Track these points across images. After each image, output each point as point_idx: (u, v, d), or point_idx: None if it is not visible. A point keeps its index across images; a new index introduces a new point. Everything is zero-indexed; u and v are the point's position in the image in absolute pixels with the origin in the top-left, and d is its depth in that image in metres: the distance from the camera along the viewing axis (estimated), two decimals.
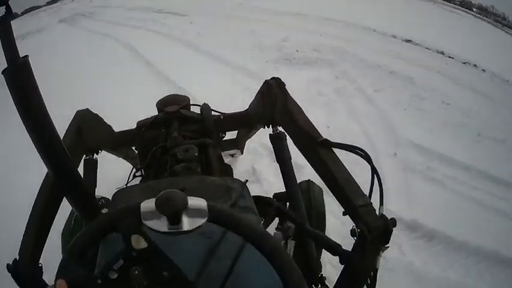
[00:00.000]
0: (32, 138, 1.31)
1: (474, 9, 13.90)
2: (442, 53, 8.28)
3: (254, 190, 3.69)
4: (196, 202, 1.21)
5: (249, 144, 4.26)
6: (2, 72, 1.27)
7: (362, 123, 5.16)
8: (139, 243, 1.16)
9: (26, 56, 1.28)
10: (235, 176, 3.19)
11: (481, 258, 3.33)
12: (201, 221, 1.18)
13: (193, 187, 1.88)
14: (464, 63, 7.87)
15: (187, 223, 1.17)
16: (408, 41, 9.00)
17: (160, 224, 1.16)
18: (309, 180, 2.74)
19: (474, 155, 4.54)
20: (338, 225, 3.23)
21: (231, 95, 5.79)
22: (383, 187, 1.79)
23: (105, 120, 3.13)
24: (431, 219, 3.58)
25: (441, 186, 4.08)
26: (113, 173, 3.52)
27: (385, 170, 4.13)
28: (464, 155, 4.50)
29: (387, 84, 6.35)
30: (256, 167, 4.32)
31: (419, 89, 6.14)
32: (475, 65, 7.78)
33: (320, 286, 2.42)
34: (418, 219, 3.56)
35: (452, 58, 8.06)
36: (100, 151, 2.99)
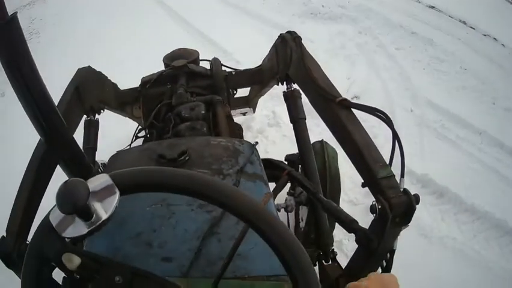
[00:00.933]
0: (21, 101, 1.24)
1: None
2: (464, 23, 8.08)
3: (273, 134, 3.66)
4: (98, 181, 0.97)
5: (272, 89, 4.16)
6: None
7: (381, 78, 5.11)
8: (71, 261, 0.91)
9: (15, 13, 1.18)
10: (254, 122, 3.12)
11: (489, 225, 3.33)
12: (114, 199, 0.96)
13: (196, 149, 1.80)
14: (484, 35, 7.69)
15: (101, 210, 0.95)
16: (432, 7, 8.73)
17: (78, 227, 0.93)
18: (322, 140, 2.63)
19: (487, 121, 4.47)
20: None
21: (256, 46, 5.56)
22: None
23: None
24: (442, 177, 3.56)
25: (453, 145, 4.06)
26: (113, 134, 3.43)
27: (401, 124, 4.12)
28: (478, 119, 4.43)
29: (408, 44, 6.25)
30: (277, 111, 4.23)
31: (438, 52, 6.05)
32: (495, 39, 7.60)
33: (330, 262, 2.35)
34: (429, 175, 3.54)
35: (474, 29, 7.86)
36: (102, 111, 2.86)
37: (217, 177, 1.65)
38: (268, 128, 4.21)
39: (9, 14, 1.15)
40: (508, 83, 5.54)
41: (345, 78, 4.62)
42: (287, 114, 3.70)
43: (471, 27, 7.96)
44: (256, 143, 2.02)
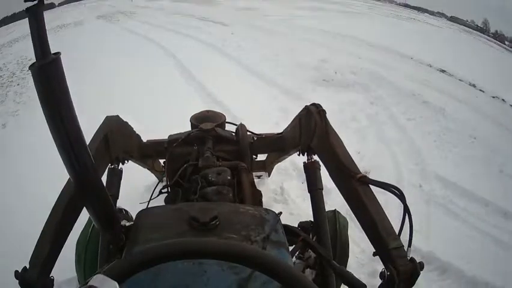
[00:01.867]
0: (56, 141, 1.25)
1: (506, 42, 13.67)
2: (474, 86, 8.22)
3: (280, 209, 3.73)
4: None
5: (279, 164, 4.19)
6: (30, 67, 1.18)
7: (392, 152, 5.15)
8: None
9: (58, 53, 1.20)
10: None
11: None
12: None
13: (226, 216, 1.80)
14: (493, 97, 7.80)
15: None
16: (443, 71, 8.94)
17: None
18: (335, 210, 2.63)
19: (495, 191, 4.50)
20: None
21: (267, 113, 5.81)
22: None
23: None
24: (446, 252, 3.55)
25: (460, 220, 4.06)
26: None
27: (410, 201, 3.89)
28: (486, 190, 4.46)
29: (419, 114, 6.33)
30: (285, 187, 4.26)
31: (449, 121, 6.11)
32: (503, 100, 7.70)
33: None
34: (434, 252, 3.55)
35: (483, 92, 7.99)
36: (126, 161, 2.86)
37: (245, 242, 1.67)
38: (275, 204, 4.08)
39: (53, 53, 1.18)
40: None
41: (355, 153, 4.67)
42: (295, 190, 3.66)
43: (480, 90, 8.15)
44: (280, 213, 2.02)
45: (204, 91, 7.06)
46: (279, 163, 4.07)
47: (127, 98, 6.63)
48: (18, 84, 9.49)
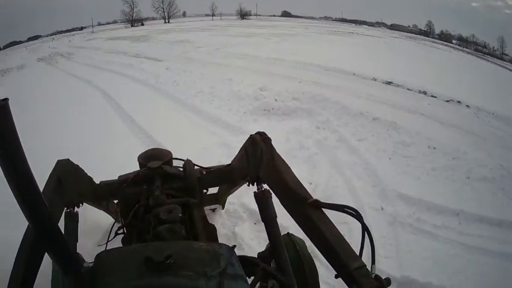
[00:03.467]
0: (12, 188, 1.27)
1: (454, 41, 14.16)
2: (424, 93, 8.35)
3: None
4: None
5: (229, 205, 4.26)
6: None
7: (346, 177, 5.13)
8: None
9: (6, 99, 1.21)
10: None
11: None
12: None
13: (180, 254, 1.83)
14: (447, 101, 7.93)
15: None
16: (389, 82, 9.14)
17: None
18: (288, 233, 2.70)
19: (463, 198, 4.57)
20: None
21: (209, 151, 5.70)
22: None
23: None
24: (423, 273, 3.56)
25: (431, 237, 4.08)
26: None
27: (372, 226, 4.04)
28: (454, 200, 4.51)
29: (370, 133, 6.37)
30: (237, 231, 4.22)
31: (403, 135, 6.15)
32: (459, 101, 7.85)
33: None
34: (410, 275, 3.54)
35: (435, 97, 8.11)
36: (81, 204, 2.94)
37: (202, 279, 1.74)
38: None
39: (1, 99, 1.19)
40: (480, 149, 5.75)
41: (307, 184, 4.64)
42: (249, 233, 3.64)
43: (432, 96, 8.25)
44: (234, 246, 2.12)
45: (142, 133, 6.95)
46: (228, 205, 4.24)
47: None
48: None
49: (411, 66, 10.33)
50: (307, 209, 2.11)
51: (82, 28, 67.89)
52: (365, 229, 1.88)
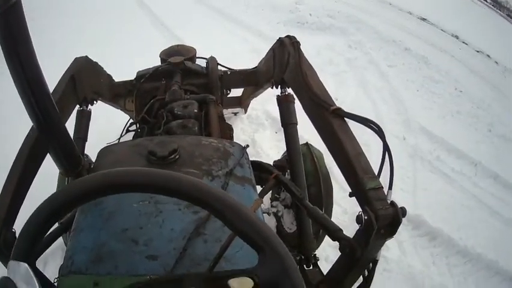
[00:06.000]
0: (17, 86, 1.25)
1: (488, 0, 13.52)
2: (457, 37, 7.99)
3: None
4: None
5: (251, 111, 4.06)
6: None
7: (372, 99, 4.89)
8: None
9: None
10: None
11: (480, 267, 3.21)
12: None
13: (186, 149, 1.79)
14: (477, 51, 7.56)
15: None
16: (424, 19, 8.67)
17: None
18: (307, 143, 2.65)
19: (483, 150, 4.34)
20: None
21: (238, 56, 5.36)
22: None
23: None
24: (435, 217, 3.41)
25: (448, 180, 3.89)
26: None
27: (393, 154, 3.73)
28: (474, 149, 4.29)
29: (401, 61, 6.04)
30: (257, 138, 4.00)
31: (432, 71, 5.84)
32: (488, 56, 7.46)
33: (311, 267, 2.34)
34: (422, 215, 3.37)
35: (466, 44, 7.77)
36: (95, 102, 2.81)
37: (206, 178, 1.68)
38: None
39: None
40: (503, 107, 5.44)
41: (333, 99, 4.39)
42: (268, 142, 3.39)
43: (463, 43, 7.90)
44: (247, 145, 2.02)
45: (171, 35, 6.55)
46: (250, 110, 4.08)
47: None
48: None
49: (447, 9, 9.82)
50: (329, 116, 1.93)
51: None
52: (386, 148, 1.69)
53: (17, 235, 1.53)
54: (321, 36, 6.69)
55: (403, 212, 1.55)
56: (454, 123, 4.75)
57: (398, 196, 3.37)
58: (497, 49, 7.73)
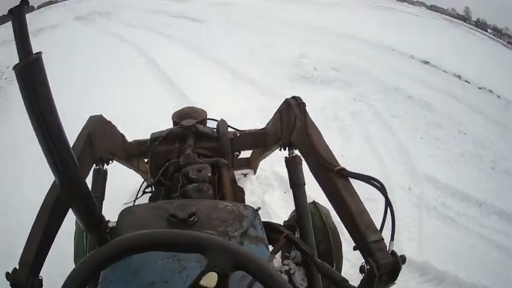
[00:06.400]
0: (40, 142, 1.25)
1: (489, 30, 13.67)
2: (459, 77, 8.16)
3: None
4: None
5: (260, 172, 4.15)
6: (14, 68, 1.18)
7: (377, 152, 5.00)
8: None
9: (40, 53, 1.20)
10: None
11: None
12: None
13: (204, 212, 1.84)
14: (479, 88, 7.76)
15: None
16: (426, 62, 8.87)
17: None
18: (314, 201, 2.65)
19: (487, 189, 4.43)
20: None
21: (245, 112, 5.63)
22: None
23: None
24: (442, 260, 3.44)
25: (453, 224, 3.95)
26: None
27: (398, 205, 3.98)
28: (478, 189, 4.37)
29: (404, 110, 6.20)
30: (266, 199, 4.06)
31: (435, 116, 6.00)
32: (490, 91, 7.66)
33: None
34: (429, 261, 3.43)
35: (469, 83, 7.96)
36: (111, 161, 2.88)
37: (222, 238, 1.60)
38: None
39: (34, 53, 1.17)
40: (506, 141, 5.58)
41: (339, 156, 4.53)
42: (278, 202, 3.72)
43: (466, 81, 8.08)
44: (259, 208, 2.07)
45: (183, 98, 6.66)
46: (259, 171, 4.11)
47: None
48: None
49: (448, 48, 10.01)
50: (333, 176, 2.04)
51: None
52: (387, 204, 1.79)
53: (43, 282, 1.74)
54: (326, 91, 6.86)
55: (403, 259, 1.67)
56: (457, 167, 4.84)
57: (405, 246, 3.49)
58: (499, 82, 7.87)
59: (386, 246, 1.72)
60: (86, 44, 11.79)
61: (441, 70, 8.47)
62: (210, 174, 2.61)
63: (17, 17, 1.15)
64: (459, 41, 12.33)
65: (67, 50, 10.54)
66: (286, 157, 2.68)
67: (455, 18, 18.02)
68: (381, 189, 1.83)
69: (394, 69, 7.96)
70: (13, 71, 1.19)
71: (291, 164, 2.61)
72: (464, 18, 18.02)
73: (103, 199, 2.55)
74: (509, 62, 10.89)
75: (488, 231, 3.87)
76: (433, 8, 19.26)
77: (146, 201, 2.59)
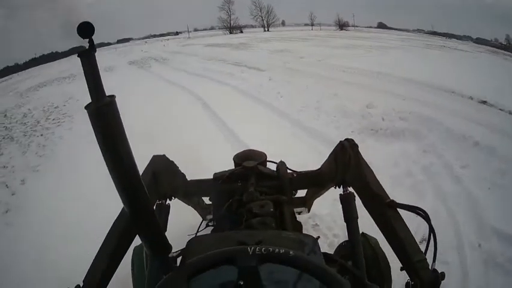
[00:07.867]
0: (113, 176, 1.34)
1: None
2: None
3: None
4: None
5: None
6: (86, 107, 1.26)
7: (449, 209, 4.93)
8: None
9: (113, 96, 1.29)
10: None
11: None
12: None
13: (270, 240, 1.92)
14: None
15: None
16: (484, 102, 8.89)
17: None
18: (362, 233, 2.80)
19: None
20: None
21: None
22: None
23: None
24: None
25: None
26: None
27: (468, 263, 3.98)
28: None
29: (472, 159, 6.12)
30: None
31: (501, 163, 5.85)
32: None
33: None
34: None
35: None
36: (173, 197, 3.05)
37: None
38: None
39: (108, 96, 1.26)
40: None
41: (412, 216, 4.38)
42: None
43: None
44: (318, 237, 2.23)
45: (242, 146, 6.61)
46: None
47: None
48: (41, 135, 9.71)
49: (499, 84, 10.09)
50: (384, 209, 2.31)
51: (177, 33, 67.61)
52: (431, 229, 2.06)
53: None
54: (396, 144, 6.87)
55: (442, 276, 1.87)
56: None
57: None
58: None
59: (428, 265, 1.96)
60: (140, 87, 12.41)
61: (498, 108, 8.45)
62: (272, 209, 2.78)
63: (87, 60, 1.23)
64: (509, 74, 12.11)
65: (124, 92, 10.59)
66: (341, 194, 2.83)
67: (498, 48, 17.87)
68: (425, 217, 2.10)
69: (457, 113, 7.98)
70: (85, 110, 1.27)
71: (346, 200, 2.76)
72: (507, 47, 17.88)
73: (165, 232, 2.61)
74: None
75: None
76: (478, 40, 19.24)
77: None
